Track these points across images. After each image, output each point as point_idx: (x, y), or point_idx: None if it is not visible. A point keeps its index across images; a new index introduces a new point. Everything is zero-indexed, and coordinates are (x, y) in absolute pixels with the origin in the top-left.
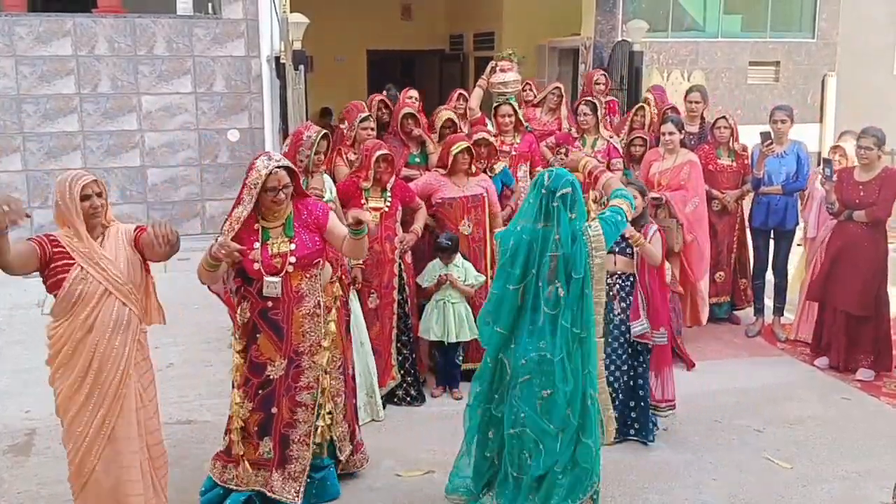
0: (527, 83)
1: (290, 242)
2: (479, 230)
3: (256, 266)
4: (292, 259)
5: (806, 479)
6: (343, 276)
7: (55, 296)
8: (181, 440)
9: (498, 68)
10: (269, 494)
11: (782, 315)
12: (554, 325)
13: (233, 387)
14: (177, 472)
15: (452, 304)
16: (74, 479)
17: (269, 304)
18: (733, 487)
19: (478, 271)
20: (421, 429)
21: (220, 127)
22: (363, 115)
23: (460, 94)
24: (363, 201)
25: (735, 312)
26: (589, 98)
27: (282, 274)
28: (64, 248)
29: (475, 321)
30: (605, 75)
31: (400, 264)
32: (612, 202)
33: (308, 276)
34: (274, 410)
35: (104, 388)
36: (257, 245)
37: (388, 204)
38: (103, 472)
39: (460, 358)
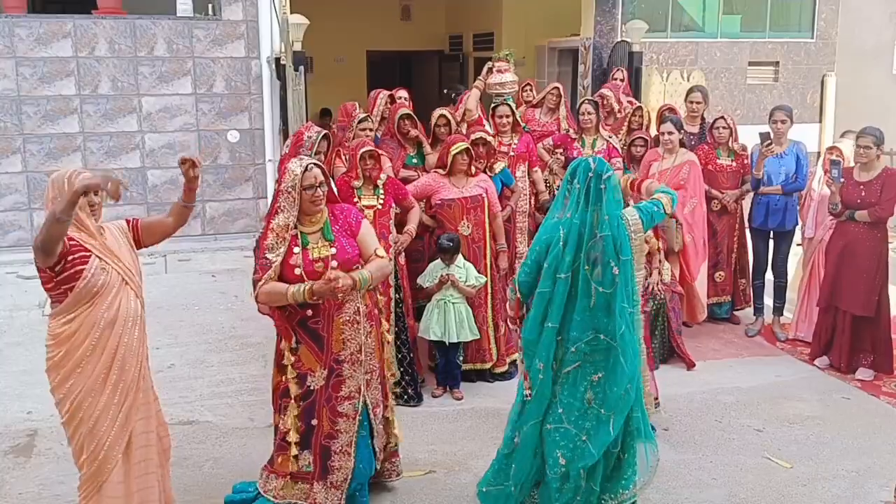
0: (527, 83)
1: (331, 246)
2: (478, 231)
3: (298, 271)
4: (334, 263)
5: (806, 478)
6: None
7: (71, 289)
8: (182, 441)
9: (495, 69)
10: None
11: (782, 315)
12: (609, 305)
13: (282, 397)
14: (178, 473)
15: (453, 304)
16: (90, 481)
17: (310, 312)
18: (733, 487)
19: (478, 272)
20: (422, 428)
21: (220, 128)
22: (361, 115)
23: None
24: (356, 200)
25: (735, 312)
26: (591, 98)
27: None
28: (77, 241)
29: (475, 322)
30: (622, 71)
31: (394, 264)
32: (654, 196)
33: None
34: (314, 422)
35: (127, 381)
36: (297, 250)
37: (382, 201)
38: (123, 473)
39: (461, 358)
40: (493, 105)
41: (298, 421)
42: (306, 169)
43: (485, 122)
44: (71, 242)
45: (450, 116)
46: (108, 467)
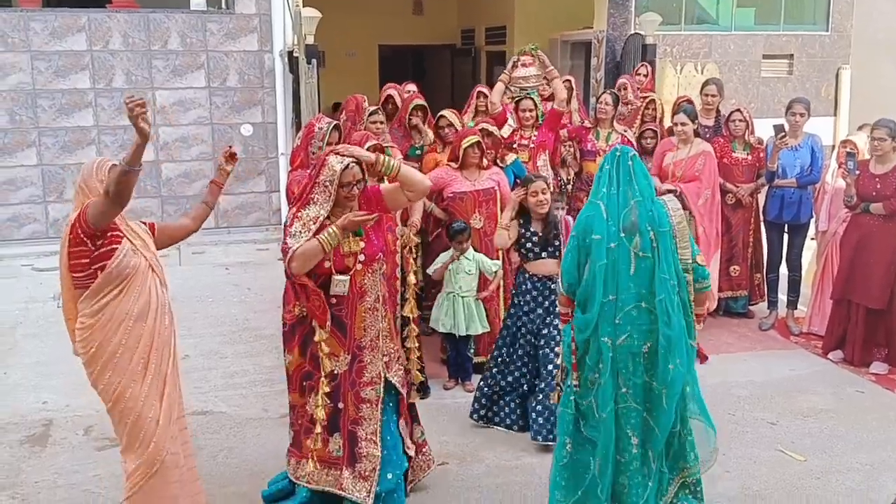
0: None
1: (361, 241)
2: (490, 224)
3: (328, 265)
4: (361, 257)
5: (820, 471)
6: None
7: (102, 269)
8: (197, 430)
9: (519, 63)
10: (339, 493)
11: (796, 308)
12: (650, 272)
13: (305, 379)
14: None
15: (462, 297)
16: (141, 471)
17: (334, 300)
18: (747, 479)
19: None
20: (434, 421)
21: (233, 121)
22: (372, 108)
23: (480, 91)
24: None
25: (750, 307)
26: (612, 90)
27: (351, 273)
28: (113, 222)
29: (487, 315)
30: (646, 66)
31: (401, 257)
32: None
33: (371, 271)
34: (341, 405)
35: (162, 368)
36: None
37: None
38: (176, 457)
39: (472, 351)
40: (517, 99)
41: (327, 399)
42: (347, 167)
43: (509, 115)
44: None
45: (452, 118)
46: (158, 457)
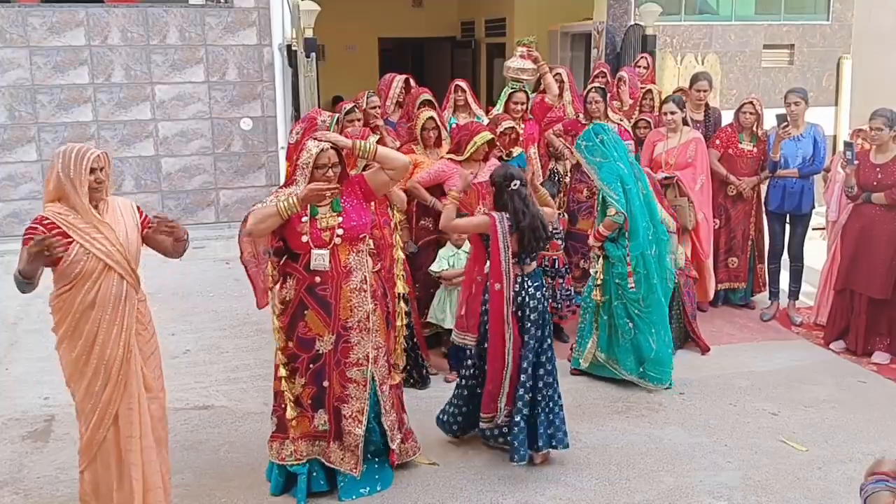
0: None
1: (338, 216)
2: None
3: (305, 238)
4: (340, 231)
5: (821, 461)
6: (382, 270)
7: (53, 270)
8: (198, 425)
9: (517, 54)
10: (326, 463)
11: (797, 299)
12: (649, 205)
13: (291, 361)
14: (193, 456)
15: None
16: (84, 452)
17: (317, 279)
18: (748, 469)
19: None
20: (434, 413)
21: (233, 116)
22: (348, 106)
23: (457, 85)
24: None
25: (753, 298)
26: (598, 85)
27: (329, 247)
28: (59, 227)
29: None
30: (647, 58)
31: (398, 250)
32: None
33: (355, 250)
34: (326, 384)
35: (109, 363)
36: (305, 219)
37: None
38: (111, 448)
39: None
40: (510, 90)
41: (311, 384)
42: (321, 150)
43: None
44: (55, 231)
45: (438, 120)
46: (94, 445)
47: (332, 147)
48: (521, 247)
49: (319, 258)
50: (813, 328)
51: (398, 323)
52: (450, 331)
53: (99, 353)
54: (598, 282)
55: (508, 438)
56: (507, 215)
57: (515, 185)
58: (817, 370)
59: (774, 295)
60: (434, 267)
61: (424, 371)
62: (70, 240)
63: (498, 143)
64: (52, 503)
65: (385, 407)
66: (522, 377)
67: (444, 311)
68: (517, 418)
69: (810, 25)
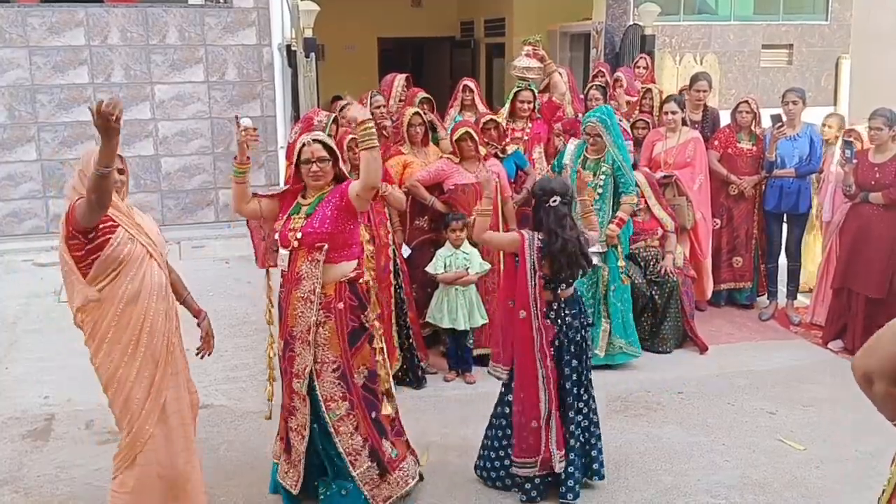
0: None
1: (305, 219)
2: (493, 214)
3: (276, 236)
4: (298, 235)
5: (819, 459)
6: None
7: (95, 260)
8: (198, 424)
9: (523, 53)
10: (278, 478)
11: (795, 298)
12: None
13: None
14: None
15: (462, 291)
16: (124, 453)
17: (282, 280)
18: (746, 468)
19: (483, 259)
20: (435, 412)
21: (232, 115)
22: (343, 103)
23: (466, 85)
24: None
25: (758, 298)
26: (597, 83)
27: (289, 249)
28: (108, 214)
29: (487, 308)
30: (645, 59)
31: (394, 249)
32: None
33: (309, 258)
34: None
35: (155, 354)
36: (284, 216)
37: None
38: (160, 445)
39: (471, 342)
40: (516, 89)
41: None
42: (304, 144)
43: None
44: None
45: (423, 117)
46: (140, 441)
47: (316, 141)
48: (553, 272)
49: (282, 258)
50: (811, 328)
51: (375, 345)
52: (448, 330)
53: (146, 344)
54: (622, 269)
55: (562, 477)
56: (540, 236)
57: (555, 201)
58: (815, 369)
59: (773, 294)
60: (430, 268)
61: (420, 371)
62: (115, 223)
63: (486, 140)
64: (52, 502)
65: (336, 428)
66: (571, 413)
67: (442, 311)
68: (572, 456)
69: (809, 25)
